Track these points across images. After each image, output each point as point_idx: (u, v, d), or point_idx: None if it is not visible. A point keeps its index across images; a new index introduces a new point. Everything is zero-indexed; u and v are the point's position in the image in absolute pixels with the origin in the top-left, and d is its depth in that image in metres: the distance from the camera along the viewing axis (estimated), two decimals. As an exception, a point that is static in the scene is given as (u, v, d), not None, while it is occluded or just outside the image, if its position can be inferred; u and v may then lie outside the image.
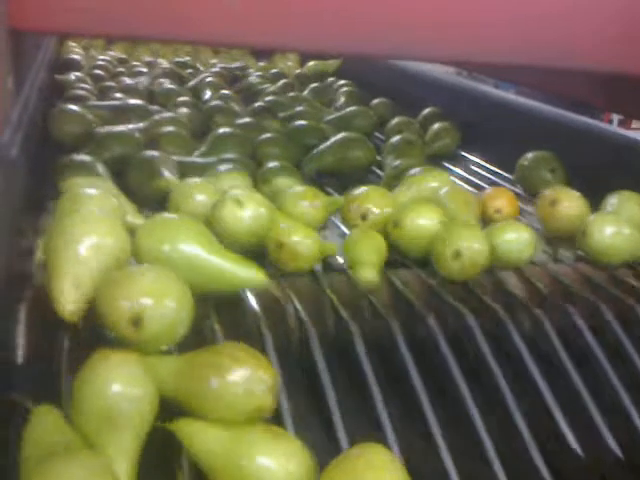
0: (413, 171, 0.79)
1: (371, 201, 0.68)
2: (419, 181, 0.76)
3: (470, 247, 0.60)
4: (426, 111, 1.19)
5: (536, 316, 0.57)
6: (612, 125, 2.10)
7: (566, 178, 0.89)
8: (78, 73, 1.34)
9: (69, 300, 0.46)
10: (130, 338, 0.42)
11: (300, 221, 0.64)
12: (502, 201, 0.76)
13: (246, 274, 0.52)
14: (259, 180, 0.80)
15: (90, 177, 0.71)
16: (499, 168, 1.01)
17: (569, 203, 0.72)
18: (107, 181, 0.71)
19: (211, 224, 0.61)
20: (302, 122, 1.04)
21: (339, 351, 0.53)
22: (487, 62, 0.69)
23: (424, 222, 0.64)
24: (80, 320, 0.46)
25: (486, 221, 0.73)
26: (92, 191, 0.57)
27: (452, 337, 0.54)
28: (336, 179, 0.92)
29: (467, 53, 0.66)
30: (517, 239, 0.64)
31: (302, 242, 0.60)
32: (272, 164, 0.82)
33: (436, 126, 1.09)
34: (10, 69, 0.57)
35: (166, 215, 0.55)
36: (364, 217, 0.67)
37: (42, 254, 0.50)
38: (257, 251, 0.62)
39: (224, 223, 0.61)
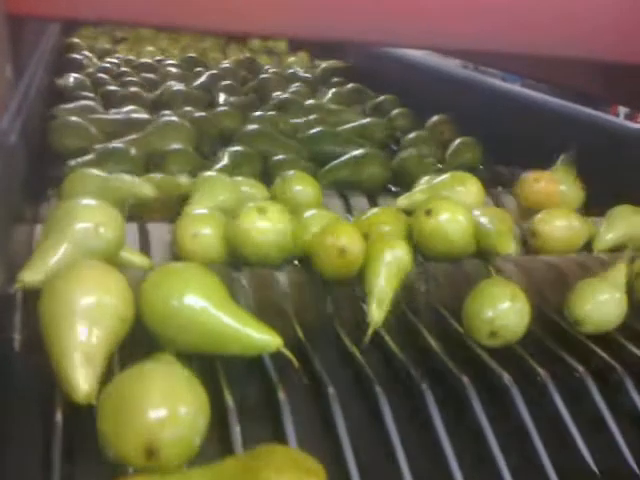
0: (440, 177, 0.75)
1: (379, 221, 0.65)
2: (444, 185, 0.73)
3: (506, 326, 0.53)
4: (435, 118, 1.15)
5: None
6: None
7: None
8: (79, 75, 1.30)
9: (83, 382, 0.41)
10: (143, 466, 0.36)
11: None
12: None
13: (262, 338, 0.46)
14: (277, 190, 0.75)
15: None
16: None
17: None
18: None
19: (231, 238, 0.59)
20: (318, 129, 1.01)
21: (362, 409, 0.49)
22: (486, 50, 0.68)
23: (460, 216, 0.62)
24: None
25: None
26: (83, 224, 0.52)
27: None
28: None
29: (466, 41, 0.65)
30: (608, 301, 0.56)
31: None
32: (290, 172, 0.77)
33: (457, 142, 1.03)
34: (8, 56, 0.57)
35: (174, 266, 0.50)
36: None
37: (40, 314, 0.44)
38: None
39: (246, 234, 0.58)
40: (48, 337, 0.43)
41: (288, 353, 0.46)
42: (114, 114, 1.06)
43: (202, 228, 0.61)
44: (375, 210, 0.68)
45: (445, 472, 0.43)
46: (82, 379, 0.41)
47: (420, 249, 0.64)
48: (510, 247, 0.61)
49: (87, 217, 0.52)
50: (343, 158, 0.91)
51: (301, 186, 0.75)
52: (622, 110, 2.18)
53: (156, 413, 0.36)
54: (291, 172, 0.77)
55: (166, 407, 0.36)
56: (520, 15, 0.64)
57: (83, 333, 0.42)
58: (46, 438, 0.40)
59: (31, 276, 0.49)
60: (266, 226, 0.58)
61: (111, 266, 0.48)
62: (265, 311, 0.54)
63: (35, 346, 0.45)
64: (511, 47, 0.66)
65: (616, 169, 0.83)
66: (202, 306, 0.46)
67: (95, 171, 0.69)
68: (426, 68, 1.40)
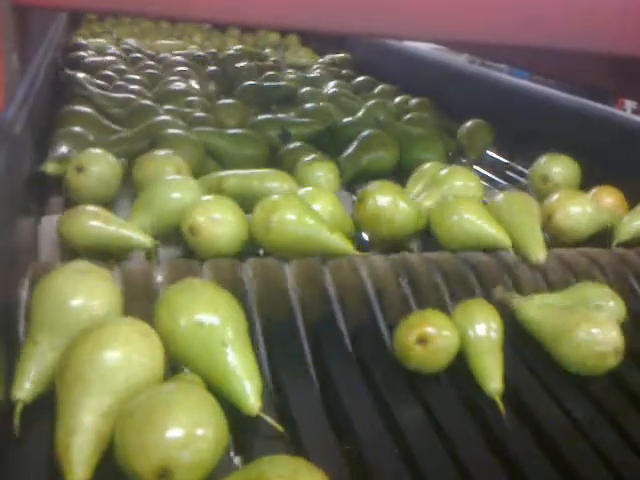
0: (442, 172, 0.75)
1: (380, 193, 0.66)
2: (444, 181, 0.73)
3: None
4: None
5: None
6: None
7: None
8: (85, 74, 1.26)
9: (82, 472, 0.36)
10: None
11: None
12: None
13: (248, 402, 0.42)
14: (297, 176, 0.76)
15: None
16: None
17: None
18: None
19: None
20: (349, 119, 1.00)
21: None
22: (494, 43, 0.68)
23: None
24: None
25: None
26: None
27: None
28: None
29: (474, 34, 0.65)
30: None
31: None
32: (309, 157, 0.79)
33: (468, 124, 1.03)
34: (14, 45, 0.57)
35: (193, 286, 0.45)
36: (361, 202, 0.66)
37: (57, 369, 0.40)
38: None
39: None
40: (59, 398, 0.39)
41: (269, 420, 0.42)
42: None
43: (215, 213, 0.60)
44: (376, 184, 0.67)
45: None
46: (82, 469, 0.36)
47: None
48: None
49: (78, 299, 0.44)
50: (353, 146, 0.89)
51: (322, 172, 0.76)
52: (629, 105, 2.17)
53: (176, 434, 0.35)
54: (311, 157, 0.77)
55: (186, 430, 0.35)
56: (528, 8, 0.63)
57: (98, 407, 0.37)
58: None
59: (27, 391, 0.42)
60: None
61: (138, 322, 0.42)
62: (268, 302, 0.54)
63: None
64: (519, 40, 0.65)
65: (624, 164, 0.83)
66: (209, 335, 0.43)
67: (94, 222, 0.59)
68: (430, 62, 1.40)
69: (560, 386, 0.51)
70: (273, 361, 0.49)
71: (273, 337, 0.51)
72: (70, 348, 0.40)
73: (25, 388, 0.42)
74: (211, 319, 0.43)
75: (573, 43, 0.66)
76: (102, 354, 0.38)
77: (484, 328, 0.51)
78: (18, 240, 0.53)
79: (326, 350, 0.51)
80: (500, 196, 0.68)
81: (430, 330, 0.49)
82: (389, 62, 1.54)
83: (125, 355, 0.39)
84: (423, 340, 0.49)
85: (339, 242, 0.59)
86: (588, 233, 0.69)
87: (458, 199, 0.66)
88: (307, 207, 0.60)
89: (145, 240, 0.59)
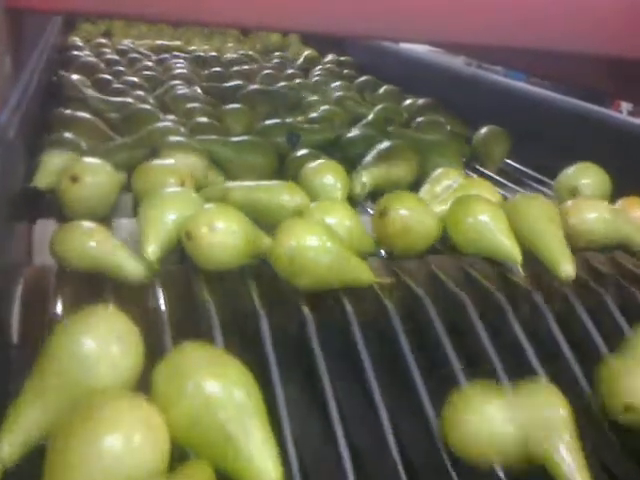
0: (450, 182, 0.71)
1: (405, 208, 0.60)
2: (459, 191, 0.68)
3: None
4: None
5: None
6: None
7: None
8: (80, 76, 1.22)
9: None
10: None
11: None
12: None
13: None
14: (302, 182, 0.71)
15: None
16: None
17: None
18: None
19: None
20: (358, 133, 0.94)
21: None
22: (490, 45, 0.67)
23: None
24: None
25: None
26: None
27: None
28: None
29: (471, 36, 0.64)
30: None
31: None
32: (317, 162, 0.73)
33: (484, 131, 0.97)
34: (7, 49, 0.56)
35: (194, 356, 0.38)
36: (382, 214, 0.61)
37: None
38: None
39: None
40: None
41: None
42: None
43: (218, 221, 0.54)
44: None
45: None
46: None
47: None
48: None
49: (105, 369, 0.37)
50: (370, 158, 0.83)
51: (330, 176, 0.71)
52: (625, 106, 2.17)
53: None
54: (317, 161, 0.73)
55: None
56: (526, 10, 0.63)
57: None
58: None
59: (10, 447, 0.36)
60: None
61: (145, 408, 0.34)
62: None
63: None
64: (517, 42, 0.65)
65: (622, 167, 0.83)
66: (209, 425, 0.36)
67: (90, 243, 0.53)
68: (428, 64, 1.40)
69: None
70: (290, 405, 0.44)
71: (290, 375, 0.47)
72: (64, 426, 0.33)
73: (8, 449, 0.36)
74: (209, 402, 0.36)
75: (571, 45, 0.66)
76: (94, 451, 0.32)
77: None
78: (12, 244, 0.53)
79: (347, 395, 0.48)
80: (516, 199, 0.62)
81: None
82: (387, 64, 1.55)
83: (120, 456, 0.32)
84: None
85: (363, 271, 0.54)
86: (607, 240, 0.65)
87: (474, 200, 0.61)
88: (329, 232, 0.54)
89: (141, 268, 0.53)
